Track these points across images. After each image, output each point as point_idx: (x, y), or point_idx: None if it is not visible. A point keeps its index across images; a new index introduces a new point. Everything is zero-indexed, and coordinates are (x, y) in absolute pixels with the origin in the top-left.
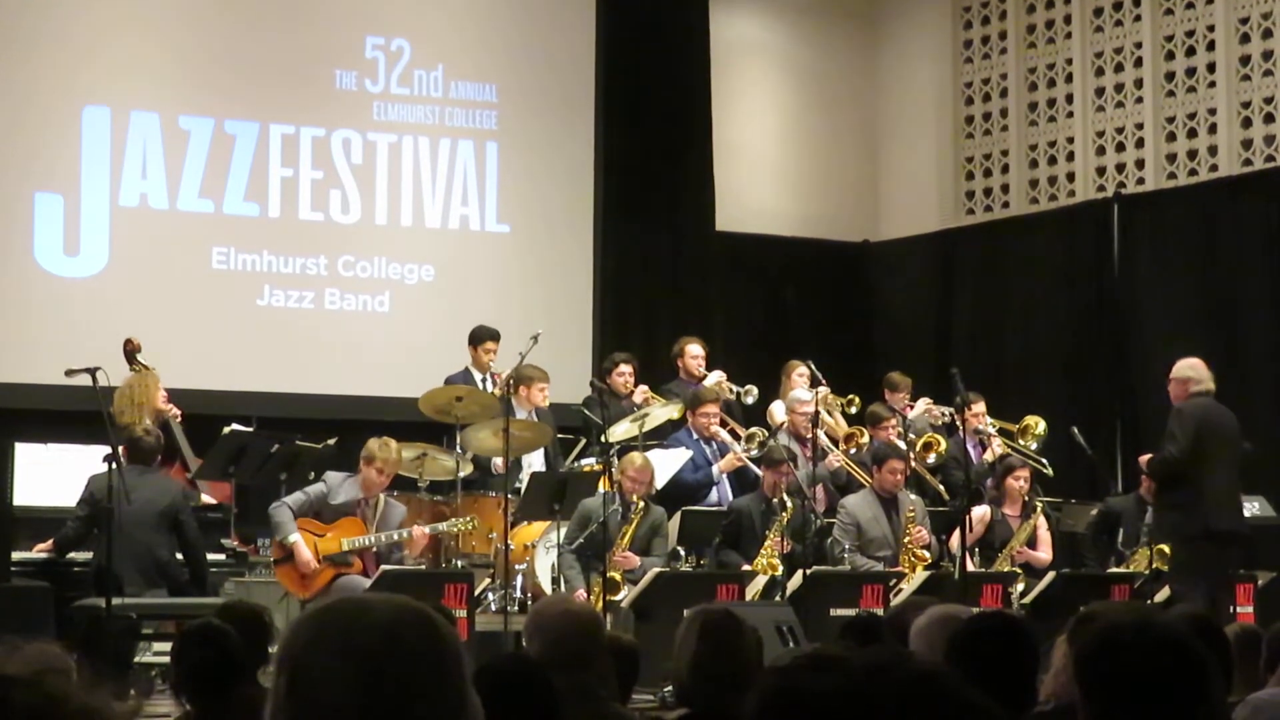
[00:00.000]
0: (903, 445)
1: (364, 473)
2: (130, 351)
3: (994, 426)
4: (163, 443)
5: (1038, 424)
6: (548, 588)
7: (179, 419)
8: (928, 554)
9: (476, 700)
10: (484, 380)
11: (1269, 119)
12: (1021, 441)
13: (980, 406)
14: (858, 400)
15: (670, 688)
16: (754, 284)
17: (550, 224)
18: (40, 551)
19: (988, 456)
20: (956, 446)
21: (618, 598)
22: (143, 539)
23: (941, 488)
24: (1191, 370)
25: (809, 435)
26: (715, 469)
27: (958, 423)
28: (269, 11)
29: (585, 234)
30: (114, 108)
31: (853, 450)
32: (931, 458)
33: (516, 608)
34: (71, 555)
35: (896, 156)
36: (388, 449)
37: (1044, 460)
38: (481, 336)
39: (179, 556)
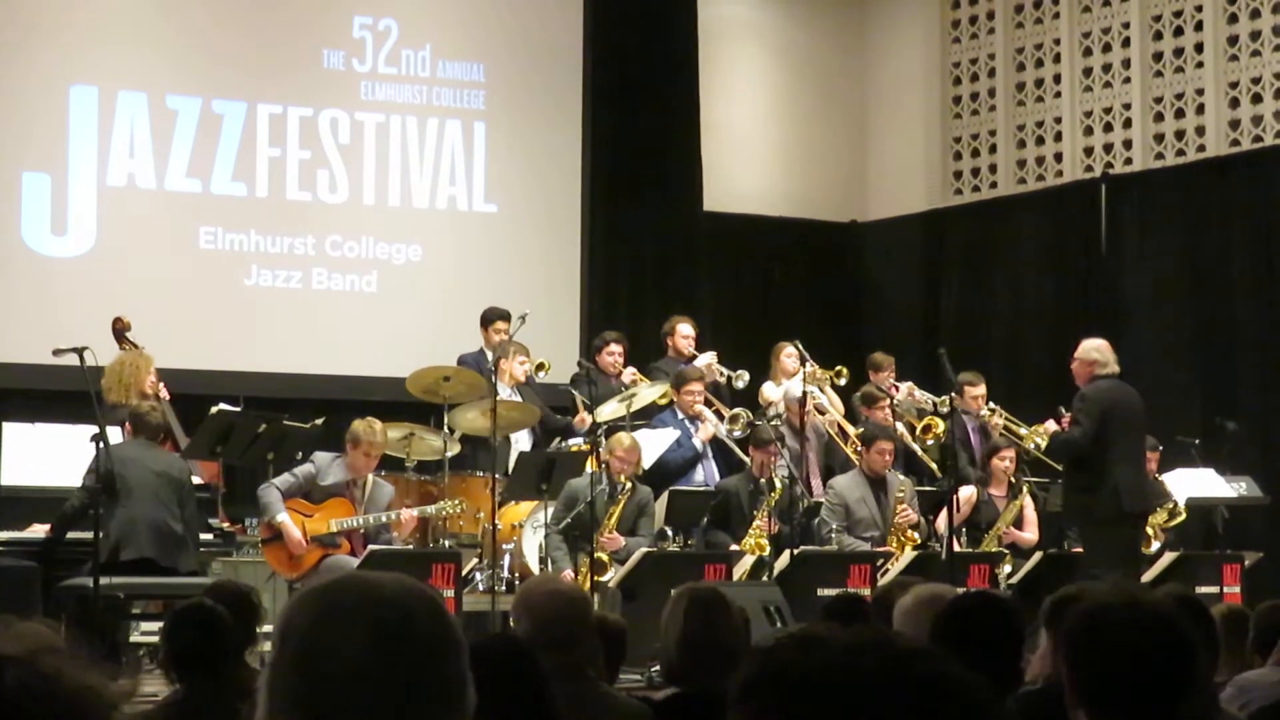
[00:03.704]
0: (900, 426)
1: (350, 455)
2: (119, 330)
3: (1000, 415)
4: (166, 419)
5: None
6: (535, 568)
7: (168, 399)
8: (916, 534)
9: (472, 685)
10: (495, 360)
11: (1256, 99)
12: (1026, 446)
13: (980, 389)
14: (845, 371)
15: (657, 667)
16: (741, 264)
17: (538, 204)
18: (37, 532)
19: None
20: (958, 429)
21: (605, 578)
22: (156, 511)
23: (935, 465)
24: (1097, 352)
25: (800, 417)
26: (696, 441)
27: (941, 406)
28: None
29: (573, 213)
30: (102, 87)
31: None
32: (930, 440)
33: (504, 588)
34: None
35: (884, 136)
36: (373, 431)
37: (1046, 459)
38: (492, 317)
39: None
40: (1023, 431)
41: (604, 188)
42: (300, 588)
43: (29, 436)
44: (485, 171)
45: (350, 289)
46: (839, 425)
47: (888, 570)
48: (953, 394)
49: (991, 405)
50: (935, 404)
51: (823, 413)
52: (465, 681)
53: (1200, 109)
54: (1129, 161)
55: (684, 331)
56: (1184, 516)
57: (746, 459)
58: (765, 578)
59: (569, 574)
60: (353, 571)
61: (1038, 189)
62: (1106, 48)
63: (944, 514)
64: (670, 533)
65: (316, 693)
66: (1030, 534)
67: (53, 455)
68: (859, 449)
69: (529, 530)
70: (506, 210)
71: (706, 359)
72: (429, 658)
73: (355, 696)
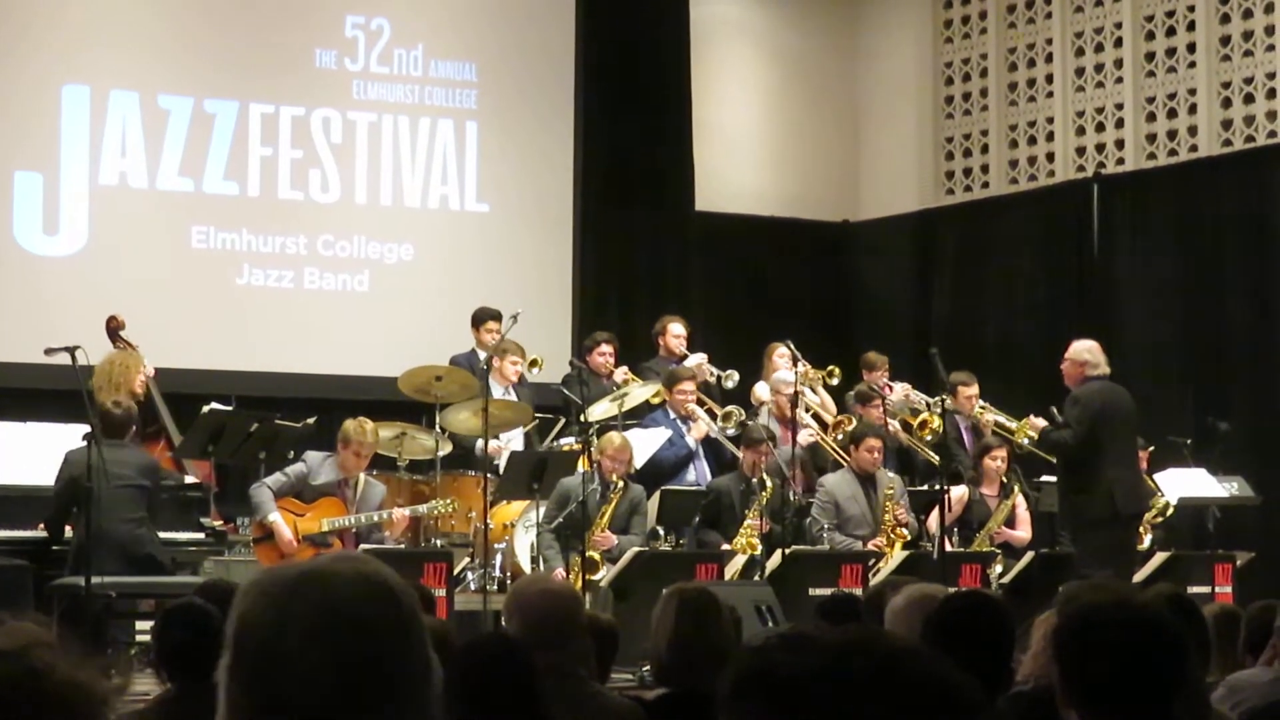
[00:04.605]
0: (894, 424)
1: (341, 455)
2: (114, 329)
3: (991, 414)
4: (134, 415)
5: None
6: (527, 567)
7: (157, 381)
8: (907, 532)
9: (437, 662)
10: (488, 360)
11: (1249, 99)
12: (1017, 437)
13: (974, 389)
14: (838, 371)
15: (649, 667)
16: (733, 264)
17: (530, 203)
18: (41, 531)
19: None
20: (950, 428)
21: (596, 577)
22: (118, 515)
23: (935, 456)
24: (1088, 353)
25: (792, 416)
26: (690, 439)
27: (934, 406)
28: None
29: (565, 213)
30: (93, 86)
31: (839, 436)
32: (928, 436)
33: (496, 587)
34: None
35: (876, 136)
36: (363, 431)
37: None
38: (483, 317)
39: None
40: (1012, 426)
41: (596, 188)
42: (248, 582)
43: (20, 435)
44: (477, 171)
45: (342, 288)
46: (818, 416)
47: (879, 570)
48: (944, 394)
49: (983, 404)
50: (930, 405)
51: (806, 410)
52: (429, 664)
53: (1193, 109)
54: (1121, 161)
55: (675, 331)
56: (1172, 511)
57: (739, 453)
58: (757, 577)
59: (560, 573)
60: (305, 567)
61: (1030, 189)
62: (1099, 48)
63: (935, 513)
64: (662, 532)
65: (277, 700)
66: (1023, 533)
67: (44, 454)
68: (840, 439)
69: (521, 529)
70: (498, 210)
71: (697, 359)
72: (389, 651)
73: (317, 700)
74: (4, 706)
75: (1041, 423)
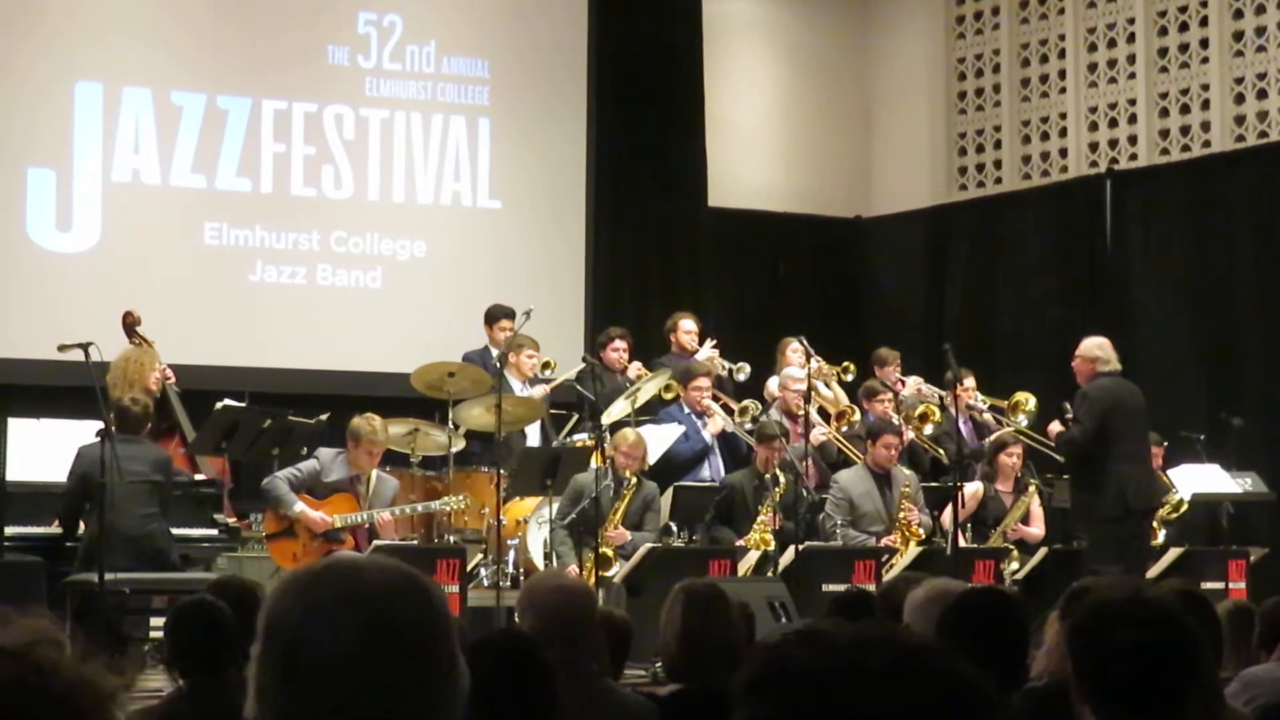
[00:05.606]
0: (897, 419)
1: (352, 452)
2: (129, 325)
3: (985, 403)
4: (150, 412)
5: (1028, 400)
6: (540, 563)
7: (173, 380)
8: (922, 531)
9: (463, 662)
10: (502, 356)
11: (1262, 95)
12: (1012, 418)
13: (970, 382)
14: (852, 367)
15: (661, 663)
16: (746, 260)
17: (542, 200)
18: (55, 528)
19: (987, 436)
20: (949, 423)
21: (610, 573)
22: (131, 511)
23: (941, 451)
24: (1099, 349)
25: (800, 412)
26: (706, 434)
27: (947, 401)
28: None
29: (577, 209)
30: (107, 83)
31: (844, 428)
32: (929, 428)
33: (509, 583)
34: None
35: (889, 132)
36: (373, 429)
37: (1039, 437)
38: (496, 315)
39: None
40: (1004, 404)
41: (609, 184)
42: (281, 576)
43: (34, 432)
44: (490, 167)
45: (355, 285)
46: (823, 410)
47: (892, 566)
48: (942, 394)
49: (982, 397)
50: (943, 398)
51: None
52: (455, 663)
53: (1205, 105)
54: (1134, 157)
55: (687, 328)
56: (1186, 508)
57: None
58: (770, 573)
59: (573, 569)
60: (334, 561)
61: (1043, 184)
62: (1112, 43)
63: (949, 509)
64: (675, 528)
65: (307, 690)
66: (1037, 529)
67: (58, 451)
68: (845, 430)
69: (534, 526)
70: (511, 206)
71: (707, 352)
72: (417, 645)
73: (346, 691)
74: (8, 705)
75: (1057, 426)
